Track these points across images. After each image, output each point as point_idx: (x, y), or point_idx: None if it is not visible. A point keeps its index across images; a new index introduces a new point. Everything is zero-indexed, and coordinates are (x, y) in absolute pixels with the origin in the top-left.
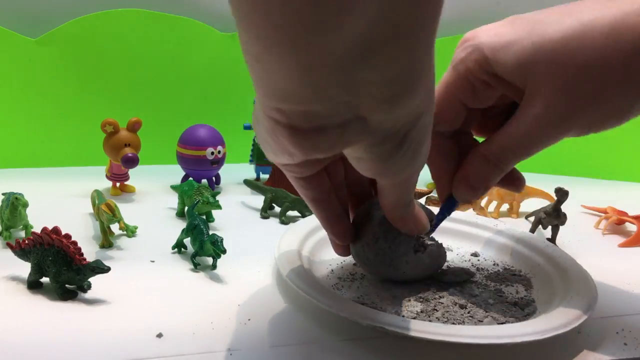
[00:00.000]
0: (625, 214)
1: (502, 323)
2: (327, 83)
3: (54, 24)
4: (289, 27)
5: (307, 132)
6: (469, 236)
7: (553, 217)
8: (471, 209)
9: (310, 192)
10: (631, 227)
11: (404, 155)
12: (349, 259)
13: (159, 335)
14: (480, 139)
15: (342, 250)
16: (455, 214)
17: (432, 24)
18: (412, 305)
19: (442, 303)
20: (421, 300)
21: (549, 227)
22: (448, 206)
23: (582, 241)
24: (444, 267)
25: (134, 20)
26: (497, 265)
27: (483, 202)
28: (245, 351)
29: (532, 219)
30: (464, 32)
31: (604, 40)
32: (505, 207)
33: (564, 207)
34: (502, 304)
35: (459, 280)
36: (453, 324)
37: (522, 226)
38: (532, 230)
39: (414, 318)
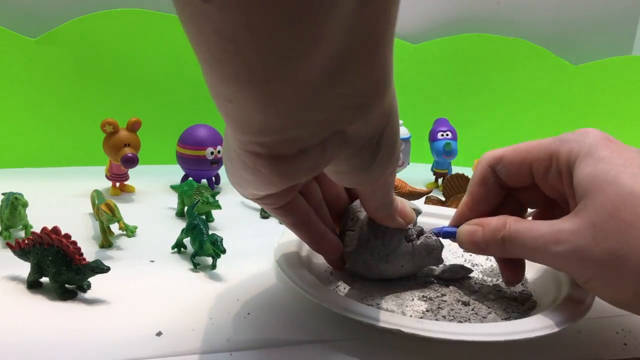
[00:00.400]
0: None
1: (506, 319)
2: (303, 109)
3: (53, 24)
4: (260, 64)
5: (289, 158)
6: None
7: None
8: None
9: (290, 218)
10: None
11: (381, 160)
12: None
13: (159, 334)
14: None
15: (336, 264)
16: (444, 210)
17: (391, 36)
18: (416, 305)
19: (445, 301)
20: (424, 299)
21: None
22: (445, 232)
23: None
24: (441, 265)
25: (134, 20)
26: (490, 259)
27: None
28: (244, 350)
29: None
30: (464, 32)
31: None
32: None
33: None
34: (502, 299)
35: (457, 277)
36: (460, 321)
37: None
38: None
39: (421, 317)
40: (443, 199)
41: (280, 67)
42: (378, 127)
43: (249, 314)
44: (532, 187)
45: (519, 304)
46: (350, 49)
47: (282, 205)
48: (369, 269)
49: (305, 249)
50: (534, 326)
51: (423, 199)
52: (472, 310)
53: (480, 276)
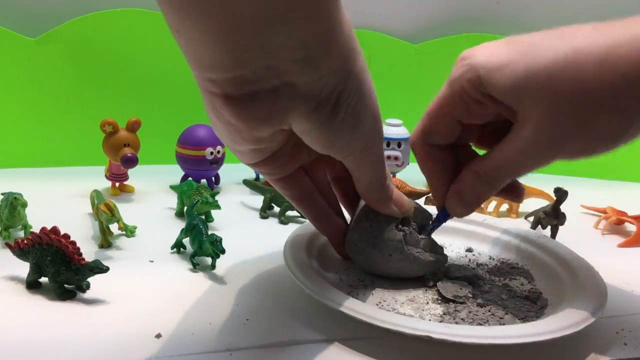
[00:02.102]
0: (624, 214)
1: (522, 319)
2: (243, 48)
3: (53, 24)
4: None
5: (241, 100)
6: (460, 232)
7: (552, 217)
8: None
9: (291, 192)
10: (631, 227)
11: (344, 122)
12: (355, 267)
13: (158, 336)
14: (481, 152)
15: (341, 249)
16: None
17: None
18: (432, 308)
19: (461, 303)
20: (439, 302)
21: (549, 227)
22: (442, 215)
23: (581, 241)
24: (450, 264)
25: (134, 20)
26: (493, 259)
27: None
28: (244, 351)
29: (531, 219)
30: (464, 32)
31: (594, 69)
32: (504, 207)
33: (564, 207)
34: (514, 298)
35: (467, 275)
36: (479, 324)
37: (521, 226)
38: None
39: (441, 321)
40: None
41: (215, 4)
42: (334, 88)
43: (247, 319)
44: (465, 134)
45: (532, 303)
46: (287, 2)
47: (282, 177)
48: (359, 253)
49: (312, 257)
50: (559, 326)
51: (423, 198)
52: (489, 311)
53: (488, 276)
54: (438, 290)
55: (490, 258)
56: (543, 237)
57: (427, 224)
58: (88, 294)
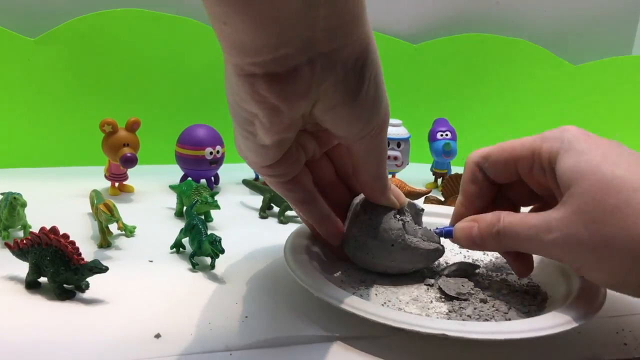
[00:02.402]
0: None
1: (525, 313)
2: (288, 29)
3: (53, 24)
4: None
5: (284, 76)
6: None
7: None
8: None
9: (296, 194)
10: None
11: (368, 95)
12: (355, 269)
13: (157, 336)
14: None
15: (340, 251)
16: (444, 209)
17: None
18: (437, 307)
19: (465, 300)
20: (442, 300)
21: None
22: (446, 231)
23: None
24: (443, 262)
25: (134, 20)
26: (487, 254)
27: None
28: (243, 351)
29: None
30: (464, 32)
31: None
32: None
33: None
34: (514, 293)
35: (466, 275)
36: (485, 319)
37: None
38: None
39: (448, 319)
40: (442, 199)
41: None
42: (358, 55)
43: (247, 317)
44: (520, 184)
45: (532, 297)
46: None
47: (291, 178)
48: (360, 249)
49: (313, 259)
50: (565, 319)
51: (422, 199)
52: (493, 307)
53: (485, 272)
54: (440, 289)
55: (483, 254)
56: None
57: (419, 219)
58: (87, 294)
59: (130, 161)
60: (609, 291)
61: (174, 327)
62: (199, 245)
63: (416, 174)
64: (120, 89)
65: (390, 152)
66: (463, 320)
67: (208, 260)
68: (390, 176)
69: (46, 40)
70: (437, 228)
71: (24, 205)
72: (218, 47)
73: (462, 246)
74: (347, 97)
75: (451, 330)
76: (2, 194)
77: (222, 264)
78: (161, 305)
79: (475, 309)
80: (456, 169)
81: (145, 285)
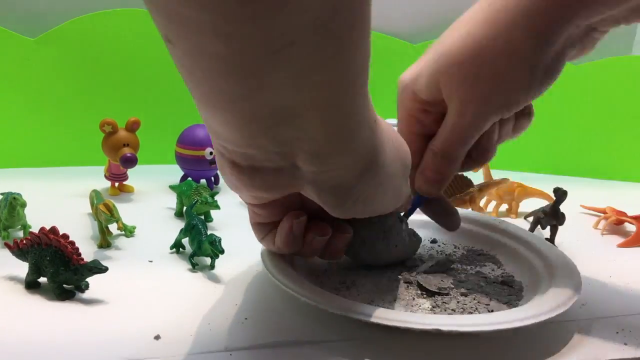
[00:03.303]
0: (624, 214)
1: (507, 304)
2: (257, 136)
3: (52, 24)
4: (214, 95)
5: (245, 169)
6: (422, 224)
7: (551, 217)
8: (470, 209)
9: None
10: (630, 228)
11: (355, 205)
12: (332, 270)
13: (157, 337)
14: None
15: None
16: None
17: (354, 92)
18: (420, 303)
19: (446, 294)
20: (424, 296)
21: (548, 227)
22: (417, 200)
23: (581, 241)
24: (417, 257)
25: (134, 20)
26: (459, 248)
27: (482, 202)
28: (243, 351)
29: (531, 219)
30: None
31: (483, 30)
32: (504, 207)
33: (563, 207)
34: (491, 284)
35: (444, 270)
36: (470, 313)
37: (521, 226)
38: (531, 230)
39: (433, 314)
40: None
41: (229, 103)
42: (347, 180)
43: (246, 319)
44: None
45: (509, 287)
46: (301, 100)
47: (269, 222)
48: (368, 250)
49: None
50: (548, 307)
51: None
52: (474, 299)
53: (460, 266)
54: (420, 285)
55: (455, 247)
56: (502, 222)
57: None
58: (87, 294)
59: (130, 161)
60: (609, 291)
61: (174, 327)
62: (198, 246)
63: None
64: (120, 89)
65: None
66: (449, 314)
67: (208, 260)
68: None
69: (46, 40)
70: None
71: (23, 205)
72: None
73: (432, 195)
74: (326, 205)
75: (444, 325)
76: (2, 194)
77: (222, 264)
78: (161, 306)
79: (458, 302)
80: None
81: (145, 286)
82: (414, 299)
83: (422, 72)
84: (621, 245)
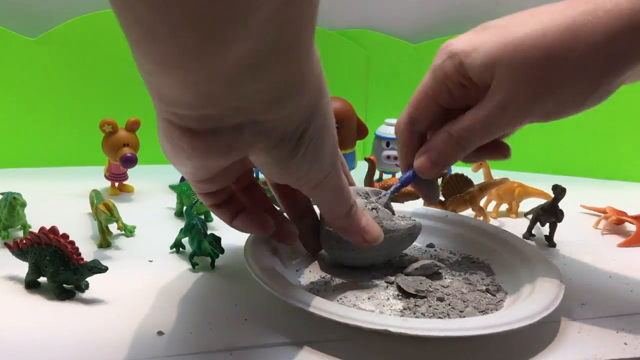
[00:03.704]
0: (624, 214)
1: (482, 312)
2: (218, 94)
3: (52, 24)
4: (175, 55)
5: (200, 134)
6: (422, 228)
7: (550, 214)
8: (470, 209)
9: (221, 209)
10: (630, 227)
11: (304, 158)
12: (315, 265)
13: (160, 333)
14: None
15: (310, 246)
16: (406, 206)
17: (306, 39)
18: (393, 304)
19: (422, 298)
20: (400, 298)
21: (547, 225)
22: (406, 178)
23: (581, 241)
24: (407, 258)
25: None
26: (454, 254)
27: (482, 202)
28: (243, 351)
29: (530, 216)
30: (463, 32)
31: (561, 37)
32: (504, 207)
33: (563, 207)
34: (474, 292)
35: (428, 273)
36: (439, 317)
37: (521, 226)
38: (530, 228)
39: (401, 316)
40: (442, 199)
41: (193, 60)
42: (298, 125)
43: (246, 319)
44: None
45: (491, 296)
46: (264, 50)
47: (218, 203)
48: (345, 248)
49: (275, 254)
50: (515, 318)
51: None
52: (449, 305)
53: (449, 271)
54: (399, 286)
55: (451, 253)
56: (504, 232)
57: (389, 203)
58: (87, 294)
59: (130, 161)
60: (609, 291)
61: (174, 326)
62: (198, 245)
63: None
64: (120, 88)
65: (390, 152)
66: (416, 317)
67: (208, 260)
68: (390, 176)
69: (46, 40)
70: (397, 183)
71: (23, 205)
72: None
73: (430, 176)
74: (279, 160)
75: (394, 326)
76: (2, 194)
77: (221, 264)
78: (161, 305)
79: (430, 306)
80: (456, 169)
81: (145, 286)
82: (388, 299)
83: (479, 49)
84: (621, 245)
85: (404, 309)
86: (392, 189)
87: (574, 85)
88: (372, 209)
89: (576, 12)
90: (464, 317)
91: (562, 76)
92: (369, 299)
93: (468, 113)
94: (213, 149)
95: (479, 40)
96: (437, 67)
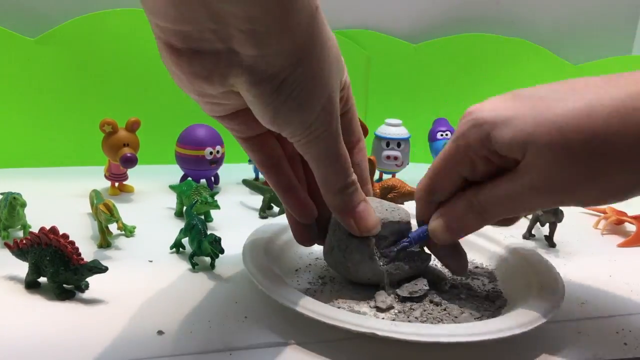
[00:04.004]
0: (624, 214)
1: (478, 318)
2: (190, 6)
3: (53, 24)
4: None
5: (182, 52)
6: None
7: (550, 214)
8: None
9: (257, 155)
10: (630, 227)
11: (286, 103)
12: (315, 266)
13: (160, 333)
14: None
15: (303, 234)
16: (405, 206)
17: None
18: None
19: (418, 302)
20: (396, 301)
21: (547, 225)
22: (417, 234)
23: (581, 241)
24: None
25: (134, 20)
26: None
27: None
28: (243, 350)
29: (530, 217)
30: (464, 32)
31: (609, 121)
32: None
33: (563, 207)
34: (473, 297)
35: (436, 281)
36: (432, 322)
37: (521, 226)
38: (530, 228)
39: (394, 319)
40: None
41: None
42: (281, 69)
43: (246, 317)
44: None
45: (490, 302)
46: None
47: (248, 136)
48: (340, 272)
49: (272, 256)
50: (505, 325)
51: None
52: (445, 310)
53: (451, 275)
54: (394, 289)
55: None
56: (510, 237)
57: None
58: (87, 294)
59: (130, 161)
60: (609, 291)
61: (174, 326)
62: (198, 245)
63: (416, 174)
64: (120, 89)
65: (390, 152)
66: (409, 321)
67: (208, 260)
68: (390, 176)
69: (46, 40)
70: (407, 239)
71: (23, 205)
72: None
73: (444, 242)
74: (261, 100)
75: (382, 330)
76: (2, 194)
77: (221, 264)
78: (161, 305)
79: (424, 311)
80: None
81: (145, 286)
82: (384, 302)
83: (511, 122)
84: (621, 245)
85: (399, 312)
86: (400, 245)
87: (620, 175)
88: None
89: (623, 91)
90: (458, 322)
91: (607, 164)
92: (366, 301)
93: (495, 185)
94: (194, 71)
95: (510, 112)
96: (459, 136)
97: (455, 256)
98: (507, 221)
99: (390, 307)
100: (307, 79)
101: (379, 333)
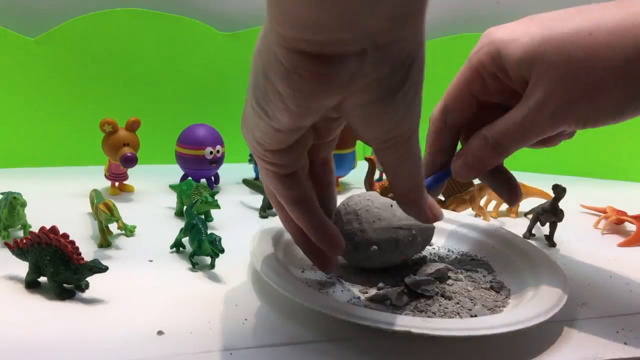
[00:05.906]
0: (624, 213)
1: (490, 309)
2: (353, 13)
3: (53, 24)
4: None
5: (331, 62)
6: None
7: (551, 213)
8: (470, 209)
9: (292, 191)
10: (630, 227)
11: (405, 96)
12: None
13: (160, 333)
14: None
15: (326, 259)
16: (445, 212)
17: None
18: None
19: (430, 297)
20: (408, 297)
21: (547, 225)
22: (440, 176)
23: (581, 241)
24: (418, 257)
25: (134, 20)
26: (453, 252)
27: (482, 202)
28: (243, 350)
29: (530, 216)
30: (464, 32)
31: (609, 38)
32: (504, 206)
33: (563, 207)
34: (479, 289)
35: (440, 268)
36: (450, 317)
37: (521, 226)
38: (530, 227)
39: (413, 317)
40: (442, 199)
41: None
42: (409, 53)
43: (246, 319)
44: (481, 111)
45: (496, 293)
46: None
47: (289, 173)
48: (348, 256)
49: (280, 255)
50: (530, 315)
51: None
52: (458, 304)
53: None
54: (406, 285)
55: (449, 251)
56: (500, 228)
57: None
58: (87, 294)
59: (131, 161)
60: (609, 291)
61: (174, 326)
62: (199, 245)
63: None
64: (121, 88)
65: None
66: (428, 317)
67: (208, 259)
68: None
69: (46, 40)
70: (429, 179)
71: (23, 205)
72: (219, 47)
73: (466, 180)
74: (384, 95)
75: (415, 327)
76: (2, 193)
77: (222, 263)
78: (161, 305)
79: (440, 305)
80: None
81: (145, 285)
82: (397, 298)
83: (520, 40)
84: (621, 245)
85: (415, 309)
86: (432, 178)
87: (617, 91)
88: (391, 205)
89: (626, 11)
90: (475, 316)
91: (606, 80)
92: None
93: (505, 116)
94: (339, 78)
95: (521, 31)
96: (473, 54)
97: (508, 186)
98: (546, 142)
99: (407, 304)
100: (422, 66)
101: (414, 330)
